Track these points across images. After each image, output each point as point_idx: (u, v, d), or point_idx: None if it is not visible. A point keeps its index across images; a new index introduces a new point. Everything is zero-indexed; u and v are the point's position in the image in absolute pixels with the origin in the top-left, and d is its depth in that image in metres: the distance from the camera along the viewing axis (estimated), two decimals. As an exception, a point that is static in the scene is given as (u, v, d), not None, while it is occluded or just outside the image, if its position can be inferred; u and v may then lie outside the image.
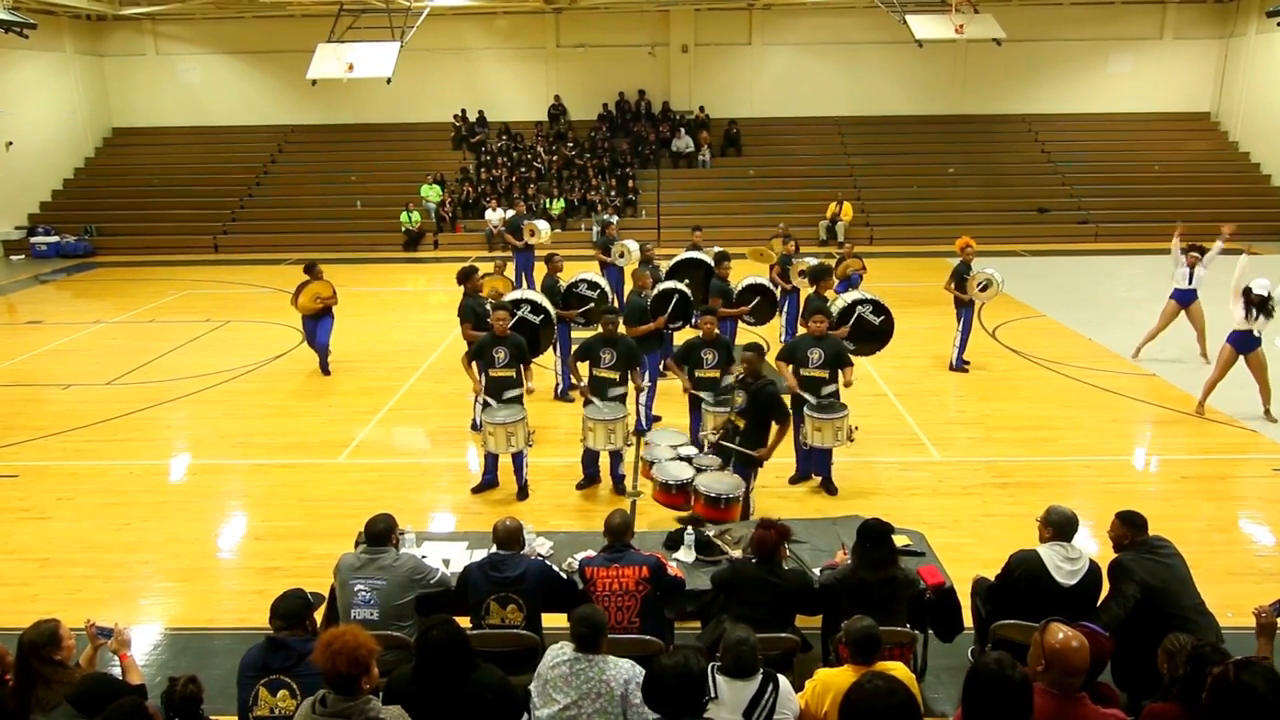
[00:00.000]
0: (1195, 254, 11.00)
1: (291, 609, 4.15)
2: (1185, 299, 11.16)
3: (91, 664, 4.38)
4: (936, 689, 5.20)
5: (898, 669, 3.78)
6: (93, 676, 3.98)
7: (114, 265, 20.95)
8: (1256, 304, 9.02)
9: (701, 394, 7.74)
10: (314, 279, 11.47)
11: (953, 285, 11.24)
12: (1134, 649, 4.33)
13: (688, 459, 6.63)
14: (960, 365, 11.43)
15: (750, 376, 6.93)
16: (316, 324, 11.67)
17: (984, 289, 11.07)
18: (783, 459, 8.37)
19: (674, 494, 6.31)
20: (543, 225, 15.62)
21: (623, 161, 23.86)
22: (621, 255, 12.99)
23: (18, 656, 3.92)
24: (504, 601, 4.69)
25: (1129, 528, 4.79)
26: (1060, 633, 3.45)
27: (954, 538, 6.86)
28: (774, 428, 6.82)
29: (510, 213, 18.16)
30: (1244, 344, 9.17)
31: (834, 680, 3.78)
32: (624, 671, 3.86)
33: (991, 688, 3.08)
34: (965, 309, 11.31)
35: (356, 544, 5.13)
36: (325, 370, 11.82)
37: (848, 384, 7.67)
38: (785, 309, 12.12)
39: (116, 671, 4.24)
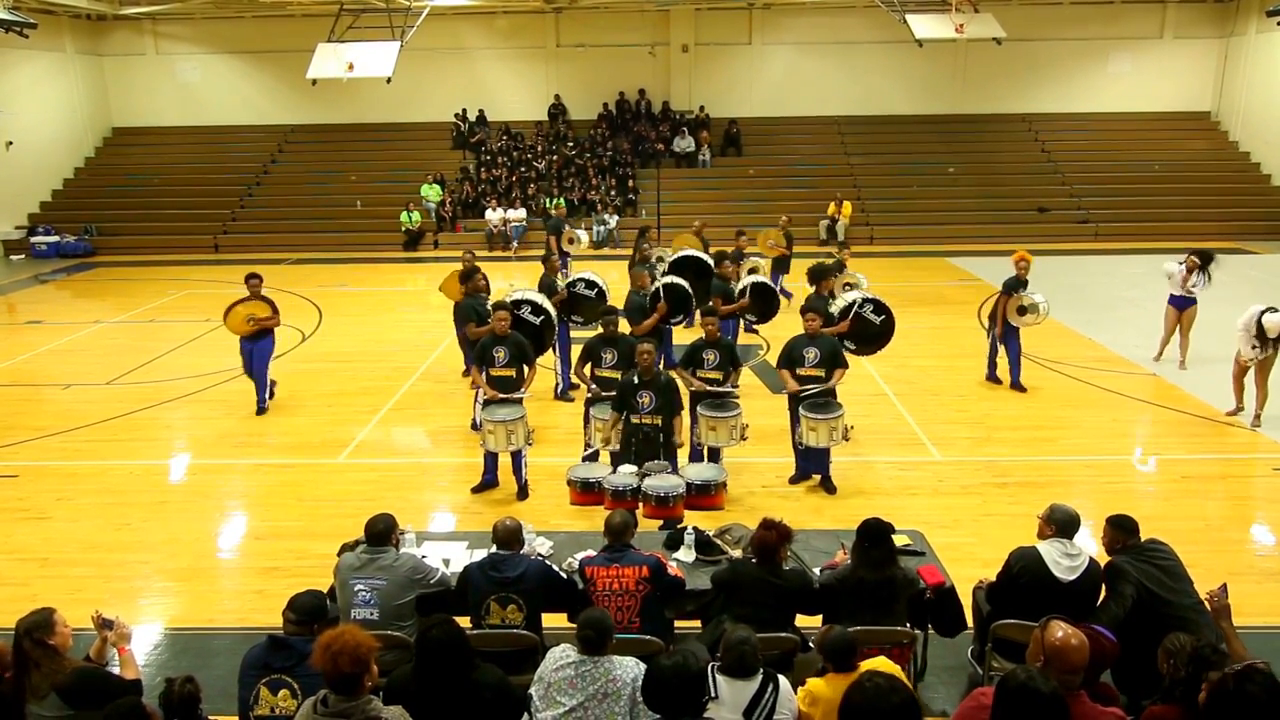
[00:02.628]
0: (1195, 259, 10.94)
1: (308, 605, 4.17)
2: (1182, 304, 11.11)
3: (101, 656, 4.39)
4: (936, 689, 5.20)
5: (883, 664, 3.79)
6: (84, 669, 3.98)
7: (114, 265, 20.96)
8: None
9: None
10: (251, 296, 9.92)
11: (1002, 302, 10.36)
12: (1134, 650, 4.32)
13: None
14: (1017, 384, 10.54)
15: (646, 374, 7.02)
16: (253, 347, 10.04)
17: (1021, 314, 10.22)
18: (782, 459, 8.39)
19: (628, 499, 6.29)
20: (583, 234, 15.66)
21: (623, 161, 23.87)
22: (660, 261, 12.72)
23: (14, 641, 3.92)
24: (504, 601, 4.68)
25: (1120, 532, 4.81)
26: (1060, 630, 3.45)
27: (954, 538, 6.86)
28: (678, 419, 7.07)
29: (552, 216, 18.03)
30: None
31: (822, 691, 3.78)
32: (630, 669, 3.87)
33: (1022, 702, 3.06)
34: (1013, 327, 10.44)
35: (353, 545, 5.11)
36: (262, 407, 10.24)
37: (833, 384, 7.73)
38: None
39: (115, 665, 4.25)
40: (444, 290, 11.20)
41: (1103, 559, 4.83)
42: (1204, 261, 10.89)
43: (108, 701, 3.75)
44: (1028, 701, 3.04)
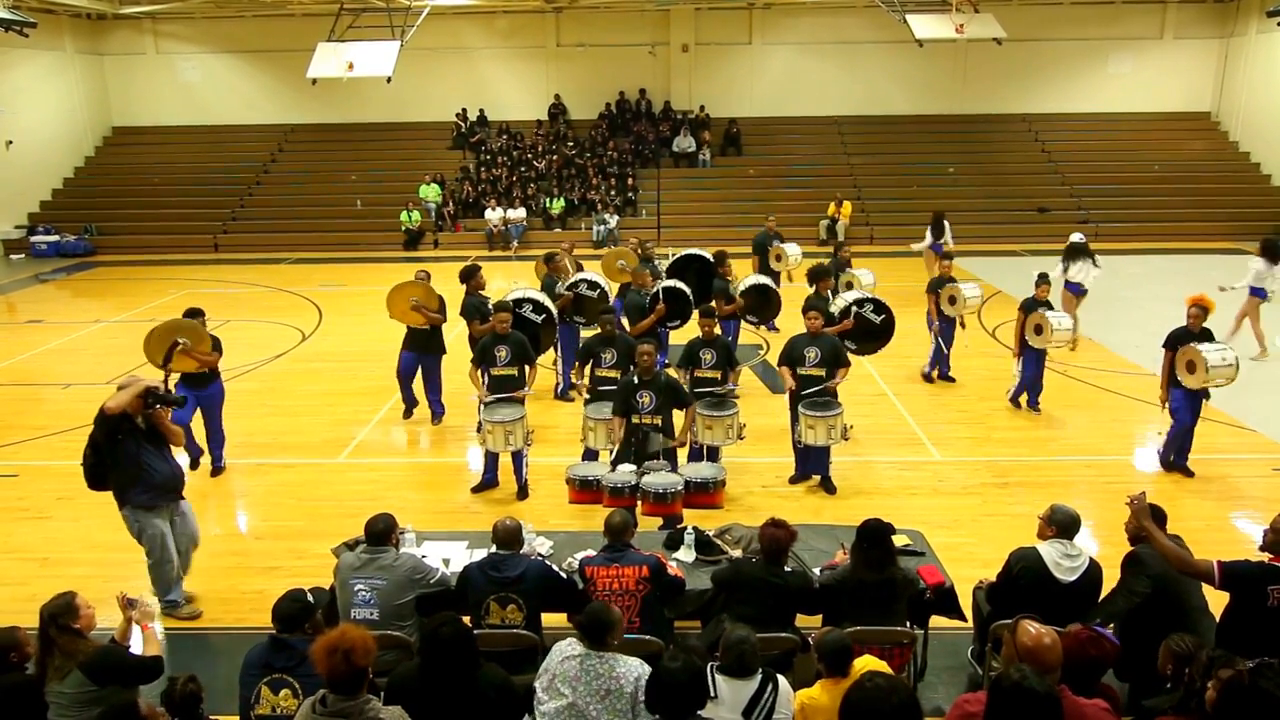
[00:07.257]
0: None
1: (288, 613, 4.09)
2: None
3: (125, 638, 4.52)
4: (936, 689, 5.20)
5: (871, 663, 3.79)
6: (106, 648, 4.15)
7: (114, 265, 20.95)
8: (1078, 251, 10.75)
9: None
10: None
11: (1167, 359, 8.12)
12: (1138, 642, 4.32)
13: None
14: (1184, 467, 8.28)
15: (646, 374, 7.03)
16: (199, 397, 8.23)
17: (1191, 370, 7.83)
18: (782, 459, 8.39)
19: (626, 497, 6.33)
20: (792, 250, 13.39)
21: (623, 161, 23.86)
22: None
23: (39, 626, 4.07)
24: (504, 601, 4.69)
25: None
26: (1031, 629, 3.45)
27: (954, 538, 6.86)
28: (680, 413, 7.13)
29: (766, 229, 14.40)
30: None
31: (819, 701, 3.77)
32: (634, 669, 3.86)
33: (1016, 702, 3.05)
34: (1187, 393, 8.00)
35: (352, 544, 5.11)
36: (217, 468, 8.63)
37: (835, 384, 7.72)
38: None
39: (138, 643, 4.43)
40: (393, 310, 9.56)
41: (1106, 556, 4.82)
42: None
43: (129, 678, 4.08)
44: (1023, 702, 3.04)
